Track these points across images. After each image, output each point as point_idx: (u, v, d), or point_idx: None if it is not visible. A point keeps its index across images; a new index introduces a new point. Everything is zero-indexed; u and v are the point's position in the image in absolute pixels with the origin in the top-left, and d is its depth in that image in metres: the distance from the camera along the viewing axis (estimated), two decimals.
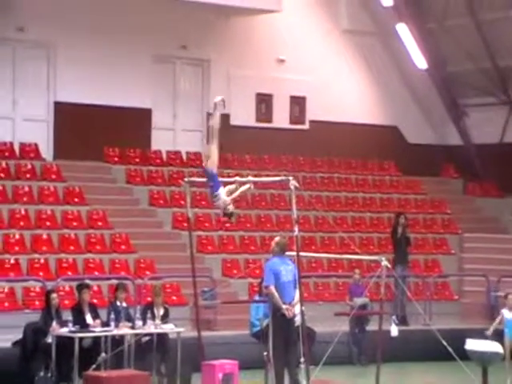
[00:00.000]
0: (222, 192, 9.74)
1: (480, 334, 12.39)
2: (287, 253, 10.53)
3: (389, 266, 10.69)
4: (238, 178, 10.43)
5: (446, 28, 20.01)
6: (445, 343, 10.91)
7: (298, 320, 10.27)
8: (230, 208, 9.79)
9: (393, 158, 20.56)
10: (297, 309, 10.28)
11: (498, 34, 19.68)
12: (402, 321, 15.65)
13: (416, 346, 14.82)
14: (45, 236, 15.07)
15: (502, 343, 12.17)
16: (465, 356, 11.05)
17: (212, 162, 9.78)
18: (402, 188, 20.16)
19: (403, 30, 20.49)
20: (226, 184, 10.06)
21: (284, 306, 10.18)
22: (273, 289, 10.27)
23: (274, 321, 10.25)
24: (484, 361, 11.10)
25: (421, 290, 17.09)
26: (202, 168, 10.09)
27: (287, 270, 10.26)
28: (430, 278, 17.26)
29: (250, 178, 10.61)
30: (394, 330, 11.83)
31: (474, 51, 19.91)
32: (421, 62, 20.72)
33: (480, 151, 20.71)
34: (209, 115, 9.84)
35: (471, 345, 11.13)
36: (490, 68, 20.10)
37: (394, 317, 12.60)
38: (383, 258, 10.64)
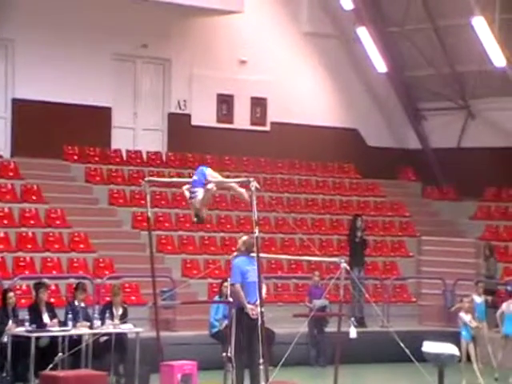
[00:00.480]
0: (200, 193, 9.76)
1: (437, 336, 12.51)
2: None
3: (348, 268, 10.74)
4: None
5: (406, 33, 20.20)
6: (402, 345, 10.98)
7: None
8: (204, 213, 9.81)
9: (352, 160, 20.69)
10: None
11: (456, 40, 19.92)
12: (360, 322, 15.74)
13: (374, 347, 14.92)
14: (2, 234, 14.89)
15: (458, 345, 12.32)
16: (422, 358, 11.16)
17: (215, 179, 9.89)
18: (361, 190, 20.29)
19: (363, 34, 20.62)
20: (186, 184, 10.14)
21: (248, 306, 10.20)
22: (239, 287, 10.31)
23: (238, 319, 10.24)
24: (440, 363, 11.20)
25: (379, 292, 17.21)
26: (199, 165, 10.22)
27: (253, 270, 10.26)
28: (388, 280, 17.39)
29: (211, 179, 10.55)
30: (353, 332, 11.88)
31: (432, 56, 20.13)
32: (381, 65, 20.87)
33: (438, 155, 20.93)
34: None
35: (428, 347, 11.23)
36: (448, 73, 20.34)
37: (352, 319, 12.63)
38: (342, 260, 10.69)
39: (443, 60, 20.19)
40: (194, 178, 9.98)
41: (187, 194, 10.06)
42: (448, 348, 11.26)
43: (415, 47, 20.16)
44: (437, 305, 17.33)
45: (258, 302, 10.02)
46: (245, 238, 10.61)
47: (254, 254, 10.43)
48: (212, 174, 10.05)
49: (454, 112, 20.74)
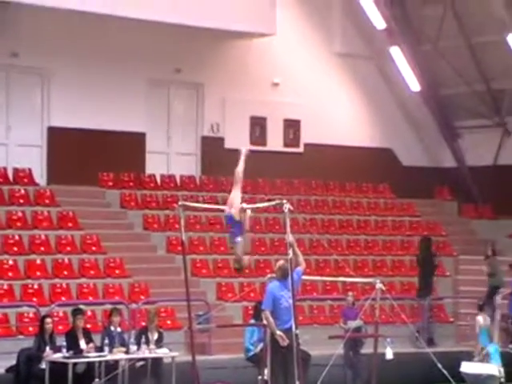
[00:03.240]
0: (240, 244, 9.54)
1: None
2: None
3: (383, 288, 10.63)
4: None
5: (440, 50, 20.11)
6: (440, 366, 10.85)
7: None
8: (246, 261, 9.66)
9: (387, 180, 20.59)
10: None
11: (490, 56, 19.80)
12: (430, 342, 15.76)
13: (411, 368, 14.73)
14: (38, 261, 15.03)
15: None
16: (460, 379, 11.01)
17: (236, 208, 9.63)
18: (396, 210, 20.17)
19: (396, 53, 20.59)
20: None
21: (278, 333, 10.02)
22: (268, 314, 10.17)
23: (272, 343, 10.14)
24: (479, 383, 11.06)
25: (415, 312, 17.03)
26: (223, 212, 9.92)
27: (288, 296, 10.04)
28: (424, 300, 17.21)
29: (245, 205, 10.32)
30: (389, 353, 11.75)
31: (467, 73, 20.01)
32: (414, 84, 20.80)
33: (474, 173, 20.74)
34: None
35: (466, 367, 11.09)
36: (483, 90, 20.20)
37: (388, 339, 12.50)
38: (378, 281, 10.58)
39: (478, 77, 20.06)
40: (231, 229, 9.67)
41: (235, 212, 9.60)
42: (487, 368, 11.11)
43: (449, 65, 20.05)
44: (475, 325, 17.06)
45: (293, 328, 9.70)
46: (281, 262, 10.33)
47: (299, 269, 10.16)
48: (236, 210, 9.64)
49: (489, 130, 20.56)
